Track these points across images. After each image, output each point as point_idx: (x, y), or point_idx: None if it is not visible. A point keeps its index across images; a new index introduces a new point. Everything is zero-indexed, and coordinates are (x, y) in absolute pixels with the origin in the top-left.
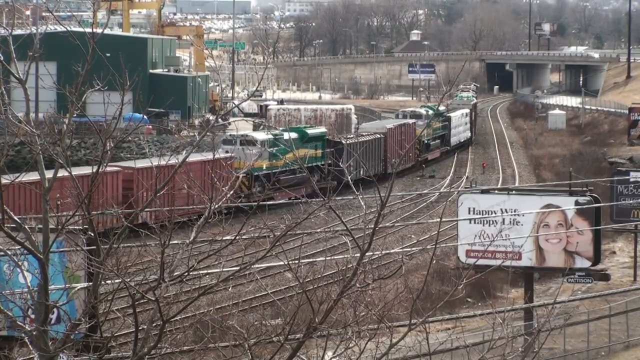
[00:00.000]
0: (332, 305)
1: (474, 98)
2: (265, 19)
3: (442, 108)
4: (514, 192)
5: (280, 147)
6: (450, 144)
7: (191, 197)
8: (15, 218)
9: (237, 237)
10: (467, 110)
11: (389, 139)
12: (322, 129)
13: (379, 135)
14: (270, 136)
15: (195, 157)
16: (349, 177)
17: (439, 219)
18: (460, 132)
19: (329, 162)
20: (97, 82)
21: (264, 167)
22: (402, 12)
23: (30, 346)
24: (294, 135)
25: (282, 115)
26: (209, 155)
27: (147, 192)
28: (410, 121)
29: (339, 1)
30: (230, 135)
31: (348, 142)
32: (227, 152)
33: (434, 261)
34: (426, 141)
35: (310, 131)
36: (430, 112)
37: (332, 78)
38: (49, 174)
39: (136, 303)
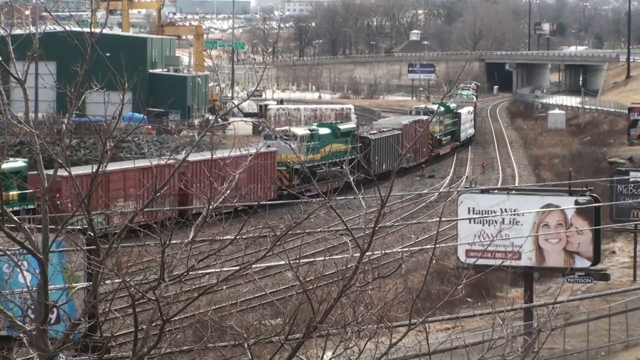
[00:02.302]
0: (332, 304)
1: (474, 96)
2: (264, 19)
3: (453, 105)
4: (513, 192)
5: (317, 142)
6: (460, 140)
7: (239, 189)
8: (15, 218)
9: (237, 237)
10: (472, 108)
11: (405, 134)
12: (352, 125)
13: (396, 131)
14: (308, 131)
15: (239, 151)
16: (350, 178)
17: (438, 219)
18: (467, 128)
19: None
20: (95, 82)
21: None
22: (402, 12)
23: (28, 346)
24: (327, 130)
25: (281, 115)
26: (252, 150)
27: (202, 184)
28: (424, 117)
29: (339, 1)
30: (270, 130)
31: (374, 137)
32: (268, 146)
33: (434, 261)
34: (438, 137)
35: (342, 127)
36: (442, 109)
37: (332, 78)
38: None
39: (136, 303)
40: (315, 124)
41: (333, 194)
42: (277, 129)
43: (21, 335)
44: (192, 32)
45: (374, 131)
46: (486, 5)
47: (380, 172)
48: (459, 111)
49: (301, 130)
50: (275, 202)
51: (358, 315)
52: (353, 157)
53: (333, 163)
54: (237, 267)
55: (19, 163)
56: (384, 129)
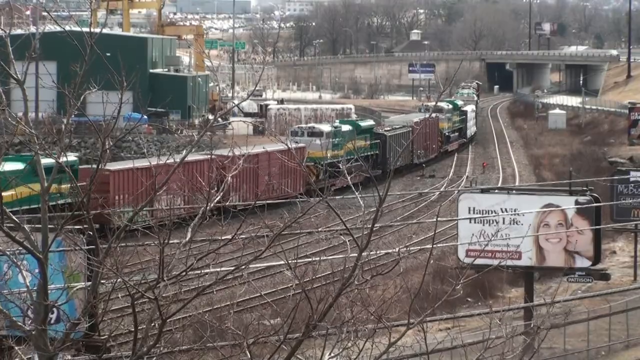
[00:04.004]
0: (331, 303)
1: (474, 95)
2: (264, 19)
3: (460, 103)
4: (514, 191)
5: (341, 138)
6: (466, 136)
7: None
8: (14, 218)
9: (235, 237)
10: (474, 106)
11: (416, 131)
12: (371, 122)
13: (408, 128)
14: (332, 128)
15: (271, 147)
16: (348, 177)
17: (438, 220)
18: (471, 125)
19: (376, 152)
20: (94, 84)
21: (328, 157)
22: (402, 11)
23: (30, 344)
24: (349, 127)
25: (282, 115)
26: (282, 146)
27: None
28: (433, 115)
29: (339, 1)
30: (298, 127)
31: (389, 134)
32: (296, 142)
33: (431, 261)
34: (447, 134)
35: (362, 124)
36: (451, 106)
37: (332, 78)
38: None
39: (135, 302)
40: (338, 120)
41: (330, 192)
42: (303, 125)
43: (22, 335)
44: (192, 32)
45: (388, 128)
46: (486, 5)
47: (395, 167)
48: (465, 109)
49: (327, 127)
50: (275, 201)
51: (355, 315)
52: (373, 153)
53: (355, 158)
54: (234, 267)
55: (71, 157)
56: (397, 126)
